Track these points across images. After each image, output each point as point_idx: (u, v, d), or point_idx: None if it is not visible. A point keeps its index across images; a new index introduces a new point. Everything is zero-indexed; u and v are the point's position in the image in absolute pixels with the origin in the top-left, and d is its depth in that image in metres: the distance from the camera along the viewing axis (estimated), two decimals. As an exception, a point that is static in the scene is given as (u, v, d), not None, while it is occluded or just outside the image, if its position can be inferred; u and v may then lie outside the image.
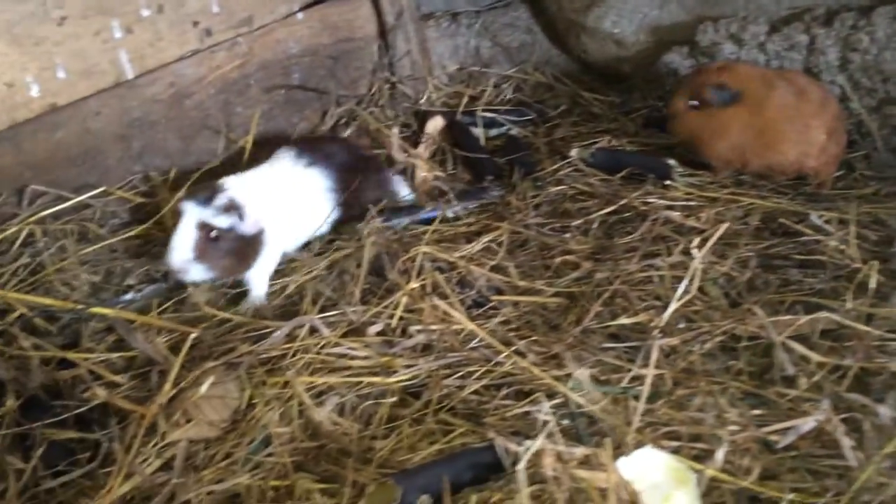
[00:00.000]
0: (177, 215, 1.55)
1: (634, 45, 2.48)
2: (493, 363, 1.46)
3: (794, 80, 1.95)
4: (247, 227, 1.58)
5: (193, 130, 1.99)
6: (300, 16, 2.19)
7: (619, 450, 1.24)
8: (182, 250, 1.52)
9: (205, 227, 1.53)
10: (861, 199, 1.91)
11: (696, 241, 1.61)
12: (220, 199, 1.54)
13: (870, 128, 2.10)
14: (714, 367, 1.45)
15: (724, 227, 1.65)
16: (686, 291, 1.54)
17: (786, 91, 1.91)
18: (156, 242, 1.69)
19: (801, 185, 1.99)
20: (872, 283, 1.55)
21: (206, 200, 1.53)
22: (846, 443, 1.21)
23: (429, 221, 1.91)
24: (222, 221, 1.54)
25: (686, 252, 1.70)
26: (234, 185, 1.60)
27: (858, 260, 1.65)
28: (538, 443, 1.12)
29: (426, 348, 1.52)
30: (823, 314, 1.47)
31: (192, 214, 1.53)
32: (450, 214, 1.96)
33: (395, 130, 2.22)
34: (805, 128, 1.90)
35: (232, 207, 1.56)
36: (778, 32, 2.19)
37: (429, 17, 2.70)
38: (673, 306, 1.51)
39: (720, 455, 1.24)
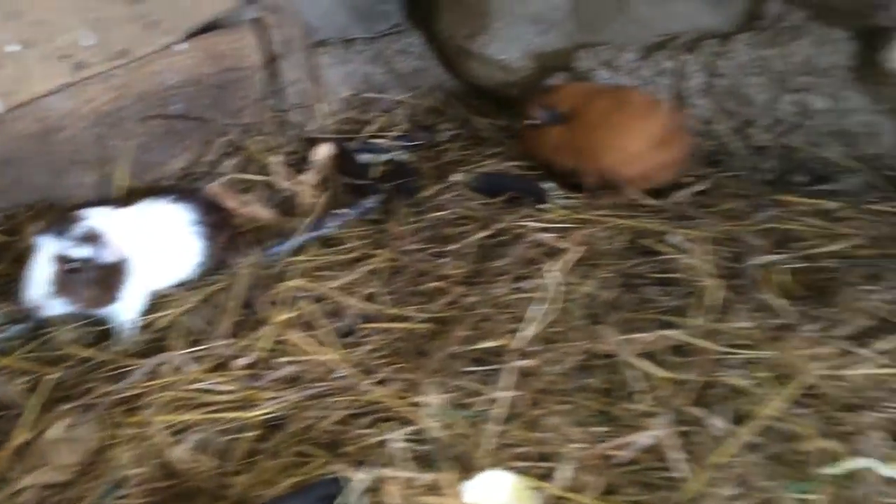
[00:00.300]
0: (32, 250, 1.52)
1: (520, 71, 2.55)
2: (356, 392, 1.49)
3: (619, 93, 2.09)
4: (108, 256, 1.56)
5: (64, 165, 1.97)
6: (182, 46, 2.19)
7: (470, 473, 1.29)
8: (37, 285, 1.49)
9: (62, 260, 1.51)
10: (720, 217, 2.01)
11: (551, 263, 1.67)
12: (78, 230, 1.52)
13: (733, 148, 2.22)
14: (570, 386, 1.50)
15: (580, 249, 1.72)
16: (545, 313, 1.60)
17: (604, 103, 2.04)
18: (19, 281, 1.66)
19: (668, 205, 2.09)
20: (716, 300, 1.64)
21: (62, 232, 1.51)
22: (676, 455, 1.27)
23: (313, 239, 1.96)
24: (80, 252, 1.52)
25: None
26: (95, 216, 1.58)
27: (711, 277, 1.73)
28: (372, 472, 1.15)
29: (293, 380, 1.54)
30: (669, 331, 1.54)
31: (48, 247, 1.50)
32: (326, 232, 1.98)
33: (280, 158, 2.24)
34: (621, 136, 2.00)
35: (90, 237, 1.54)
36: (648, 59, 2.30)
37: (322, 44, 2.72)
38: (530, 328, 1.56)
39: (563, 473, 1.29)
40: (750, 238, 1.90)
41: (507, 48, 2.54)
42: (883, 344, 1.50)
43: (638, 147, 2.02)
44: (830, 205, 2.02)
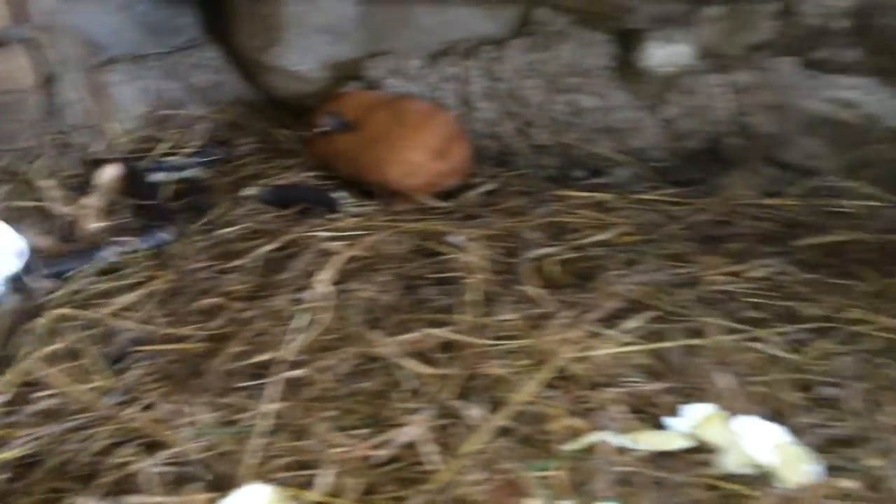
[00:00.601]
0: None
1: (316, 81, 2.57)
2: (119, 420, 1.44)
3: (399, 104, 2.15)
4: None
5: None
6: (-62, 70, 2.05)
7: (228, 490, 1.28)
8: None
9: None
10: (504, 215, 2.11)
11: (321, 271, 1.69)
12: None
13: (517, 148, 2.33)
14: (343, 391, 1.53)
15: (346, 257, 1.75)
16: (316, 321, 1.62)
17: (385, 115, 2.11)
18: None
19: (458, 207, 2.17)
20: (485, 295, 1.71)
21: None
22: (428, 448, 1.32)
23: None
24: None
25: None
26: None
27: (484, 273, 1.81)
28: (117, 501, 1.13)
29: (52, 414, 1.47)
30: (436, 330, 1.60)
31: None
32: (112, 259, 1.91)
33: (56, 182, 2.14)
34: (400, 149, 2.07)
35: None
36: (433, 66, 2.37)
37: (112, 61, 2.62)
38: (299, 338, 1.58)
39: (324, 479, 1.30)
40: (528, 233, 2.01)
41: (301, 59, 2.55)
42: (629, 323, 1.62)
43: (418, 158, 2.08)
44: (604, 196, 2.17)
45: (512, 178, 2.31)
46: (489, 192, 2.25)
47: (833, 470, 1.28)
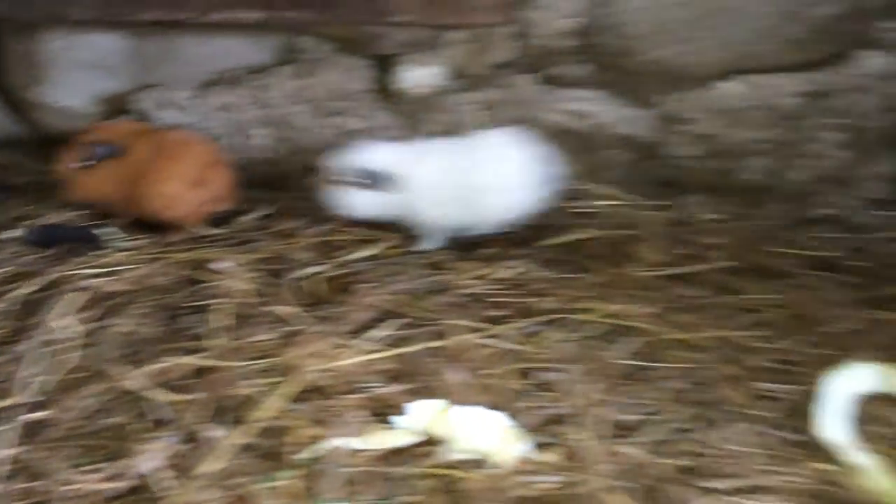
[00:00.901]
0: None
1: (89, 117, 2.52)
2: None
3: (155, 136, 2.17)
4: None
5: None
6: None
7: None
8: None
9: None
10: (277, 238, 2.16)
11: (61, 309, 1.68)
12: None
13: (293, 172, 2.39)
14: (90, 429, 1.52)
15: (86, 295, 1.75)
16: (63, 361, 1.61)
17: (142, 148, 2.12)
18: None
19: (232, 233, 2.20)
20: (241, 319, 1.76)
21: None
22: (162, 475, 1.35)
23: None
24: None
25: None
26: None
27: (247, 296, 1.85)
28: None
29: None
30: (187, 357, 1.63)
31: None
32: None
33: None
34: (156, 181, 2.09)
35: None
36: (203, 96, 2.40)
37: None
38: (37, 380, 1.56)
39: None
40: (298, 253, 2.07)
41: (69, 95, 2.50)
42: (378, 332, 1.72)
43: (174, 189, 2.09)
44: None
45: (290, 201, 2.36)
46: (265, 216, 2.29)
47: (541, 446, 1.42)
